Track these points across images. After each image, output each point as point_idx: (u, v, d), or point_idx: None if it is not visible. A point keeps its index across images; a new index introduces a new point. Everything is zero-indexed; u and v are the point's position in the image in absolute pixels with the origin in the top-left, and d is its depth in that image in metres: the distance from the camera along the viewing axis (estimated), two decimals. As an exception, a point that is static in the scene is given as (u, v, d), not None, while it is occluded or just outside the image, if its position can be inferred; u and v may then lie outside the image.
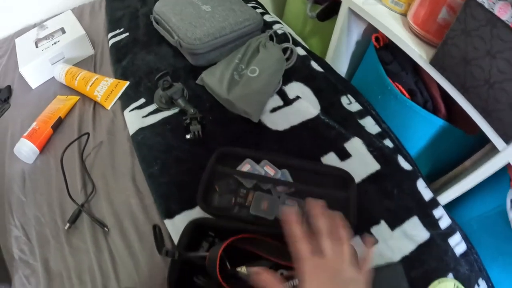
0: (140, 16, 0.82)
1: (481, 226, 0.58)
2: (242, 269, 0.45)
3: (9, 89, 0.81)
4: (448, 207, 0.59)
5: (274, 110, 0.60)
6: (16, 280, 0.51)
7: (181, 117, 0.58)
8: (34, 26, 0.95)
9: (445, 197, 0.58)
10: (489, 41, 0.44)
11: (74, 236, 0.54)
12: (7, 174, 0.64)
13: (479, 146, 0.57)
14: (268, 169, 0.53)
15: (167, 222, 0.50)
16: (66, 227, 0.54)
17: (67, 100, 0.71)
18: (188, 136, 0.54)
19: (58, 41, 0.78)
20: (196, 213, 0.50)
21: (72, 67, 0.74)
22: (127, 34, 0.78)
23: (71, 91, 0.74)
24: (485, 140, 0.51)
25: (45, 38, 0.80)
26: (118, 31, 0.79)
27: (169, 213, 0.51)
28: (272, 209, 0.49)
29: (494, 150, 0.50)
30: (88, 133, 0.59)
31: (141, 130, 0.59)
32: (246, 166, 0.52)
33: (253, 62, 0.61)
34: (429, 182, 0.57)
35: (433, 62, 0.53)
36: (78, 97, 0.71)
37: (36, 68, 0.76)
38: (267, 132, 0.58)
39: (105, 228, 0.53)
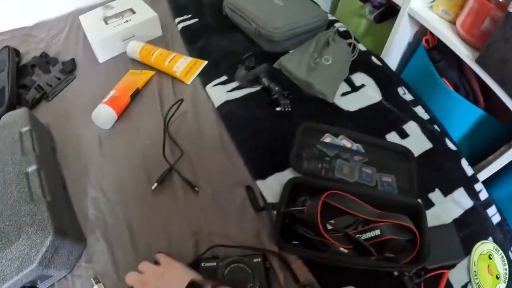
0: (205, 5, 0.89)
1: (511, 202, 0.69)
2: (332, 222, 0.53)
3: (73, 61, 0.85)
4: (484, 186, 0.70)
5: (344, 94, 0.70)
6: (92, 239, 0.54)
7: (264, 94, 0.66)
8: (89, 8, 0.99)
9: (483, 175, 0.69)
10: (522, 45, 0.57)
11: (161, 196, 0.58)
12: (80, 139, 0.67)
13: (509, 135, 0.69)
14: (345, 142, 0.62)
15: (259, 182, 0.57)
16: (153, 187, 0.58)
17: (141, 74, 0.77)
18: (278, 109, 0.62)
19: (130, 19, 0.83)
20: (286, 174, 0.58)
21: (147, 44, 0.80)
22: (197, 19, 0.85)
23: (143, 67, 0.79)
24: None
25: (115, 16, 0.86)
26: (186, 16, 0.86)
27: (262, 175, 0.58)
28: (352, 173, 0.58)
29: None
30: (182, 99, 0.65)
31: (227, 102, 0.66)
32: (327, 139, 0.61)
33: (325, 52, 0.71)
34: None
35: (478, 61, 0.65)
36: (153, 72, 0.77)
37: (107, 42, 0.81)
38: (340, 112, 0.67)
39: (195, 188, 0.58)
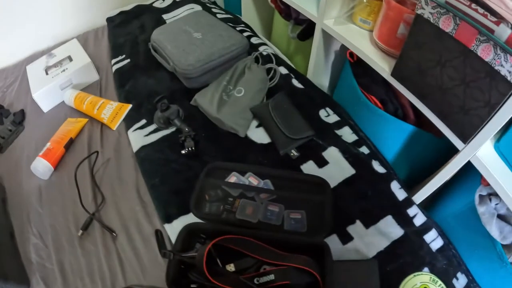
0: (140, 43, 0.96)
1: (457, 222, 0.65)
2: (230, 266, 0.56)
3: (22, 112, 0.95)
4: (427, 205, 0.67)
5: (258, 126, 0.73)
6: (34, 282, 0.63)
7: (178, 135, 0.71)
8: (43, 52, 1.11)
9: (419, 197, 0.67)
10: (438, 52, 0.53)
11: (86, 241, 0.66)
12: (25, 189, 0.77)
13: (450, 147, 0.66)
14: (252, 180, 0.64)
15: (167, 226, 0.62)
16: (79, 234, 0.66)
17: (76, 122, 0.85)
18: (183, 152, 0.67)
19: (66, 68, 0.92)
20: (191, 217, 0.62)
21: (80, 92, 0.88)
22: (129, 60, 0.92)
23: (80, 114, 0.88)
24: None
25: (54, 65, 0.95)
26: (120, 57, 0.94)
27: (168, 218, 0.63)
28: (255, 213, 0.61)
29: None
30: (97, 152, 0.73)
31: (143, 147, 0.72)
32: (233, 178, 0.64)
33: (239, 83, 0.74)
34: (408, 187, 0.66)
35: (394, 74, 0.63)
36: (86, 120, 0.85)
37: (47, 93, 0.90)
38: (253, 145, 0.70)
39: (113, 233, 0.65)
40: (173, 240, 0.61)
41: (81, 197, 0.68)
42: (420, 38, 0.56)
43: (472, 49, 0.48)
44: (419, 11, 0.54)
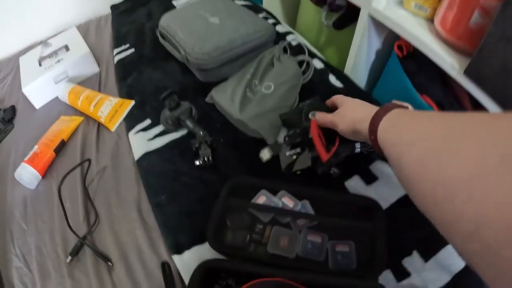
0: (146, 31, 0.79)
1: None
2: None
3: (13, 109, 0.79)
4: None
5: (290, 130, 0.55)
6: None
7: (190, 139, 0.54)
8: (40, 44, 0.93)
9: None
10: (534, 48, 0.39)
11: (76, 269, 0.51)
12: (9, 199, 0.62)
13: None
14: (287, 201, 0.47)
15: (176, 257, 0.46)
16: (68, 260, 0.51)
17: (71, 121, 0.68)
18: (197, 162, 0.49)
19: (62, 59, 0.75)
20: (207, 248, 0.45)
21: (76, 86, 0.71)
22: (133, 50, 0.75)
23: (76, 111, 0.71)
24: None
25: (49, 56, 0.78)
26: (123, 47, 0.77)
27: (178, 248, 0.47)
28: (292, 246, 0.44)
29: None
30: (89, 159, 0.56)
31: (147, 155, 0.55)
32: (262, 198, 0.47)
33: (267, 77, 0.57)
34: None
35: (468, 73, 0.47)
36: (81, 118, 0.68)
37: (39, 87, 0.74)
38: (284, 155, 0.53)
39: (109, 263, 0.49)
40: (184, 275, 0.45)
41: (67, 218, 0.51)
42: (509, 29, 0.41)
43: None
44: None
